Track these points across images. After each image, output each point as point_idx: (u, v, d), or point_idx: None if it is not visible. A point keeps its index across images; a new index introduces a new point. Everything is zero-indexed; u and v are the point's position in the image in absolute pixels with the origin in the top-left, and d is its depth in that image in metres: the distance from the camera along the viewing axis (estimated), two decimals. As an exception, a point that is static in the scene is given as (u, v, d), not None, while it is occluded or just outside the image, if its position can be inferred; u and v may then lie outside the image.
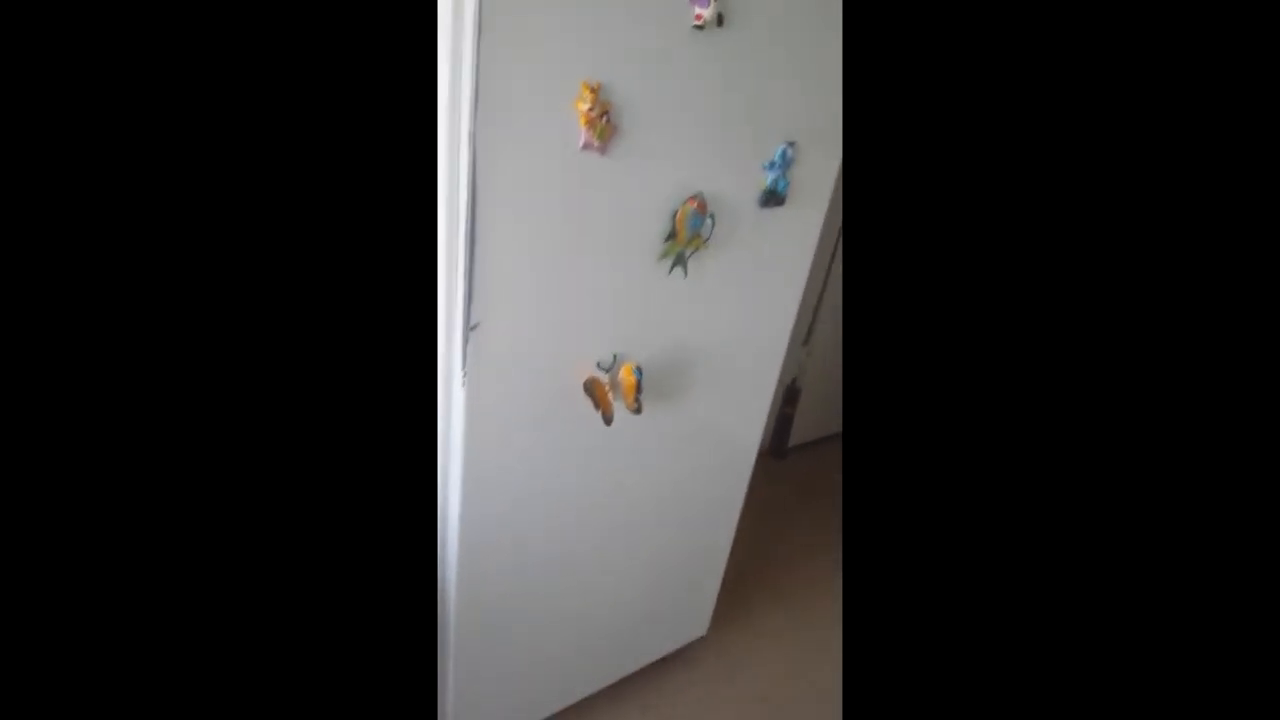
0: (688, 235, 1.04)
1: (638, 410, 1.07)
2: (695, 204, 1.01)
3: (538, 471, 1.10)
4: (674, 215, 1.02)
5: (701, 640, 1.68)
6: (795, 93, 1.06)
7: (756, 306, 1.25)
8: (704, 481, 1.40)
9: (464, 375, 0.94)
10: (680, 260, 1.06)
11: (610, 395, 1.06)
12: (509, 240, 0.89)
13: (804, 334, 2.34)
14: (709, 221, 1.05)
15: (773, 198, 1.12)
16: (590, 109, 0.85)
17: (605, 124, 0.88)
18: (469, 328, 0.91)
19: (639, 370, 1.04)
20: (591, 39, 0.84)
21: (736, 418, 1.36)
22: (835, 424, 2.63)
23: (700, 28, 0.90)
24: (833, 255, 2.27)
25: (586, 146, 0.88)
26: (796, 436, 2.51)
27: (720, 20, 0.91)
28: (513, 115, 0.82)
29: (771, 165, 1.09)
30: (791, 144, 1.09)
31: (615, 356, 1.08)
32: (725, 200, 1.07)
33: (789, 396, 2.41)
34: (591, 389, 1.03)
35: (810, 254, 1.28)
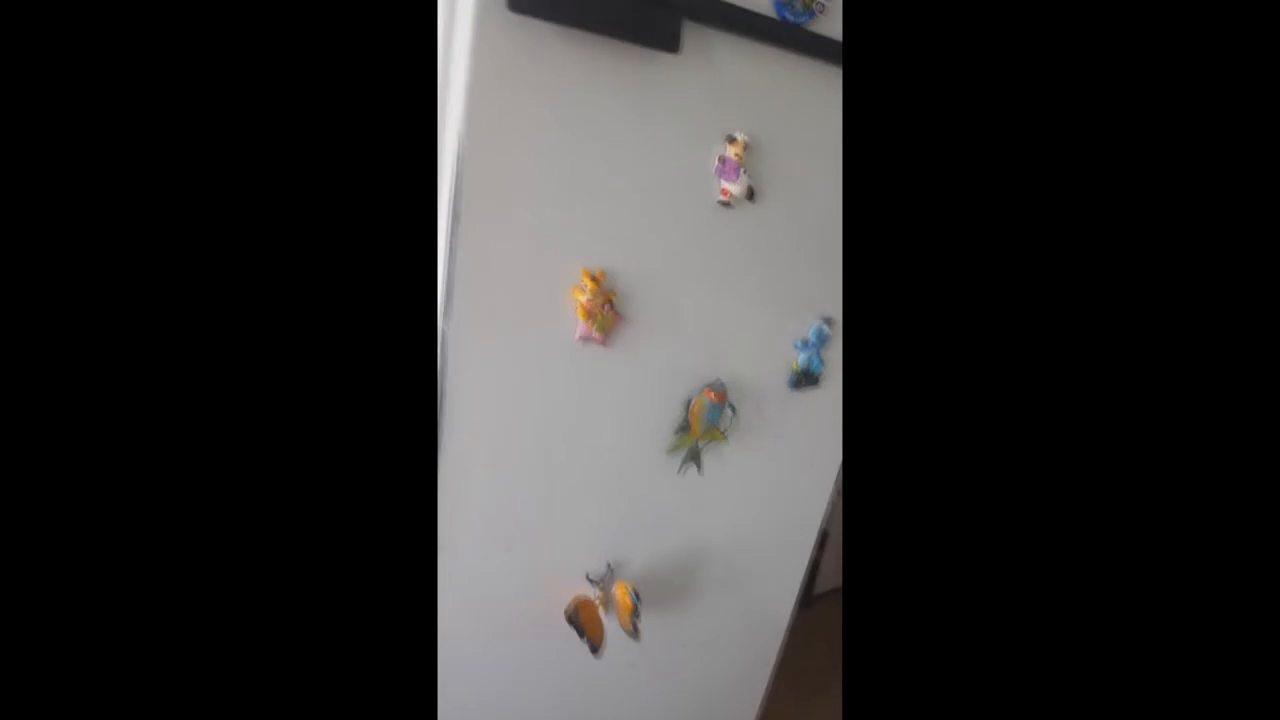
0: (703, 429, 0.87)
1: (635, 635, 0.88)
2: (713, 395, 0.85)
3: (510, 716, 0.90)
4: (687, 406, 0.86)
5: None
6: (831, 263, 0.91)
7: (784, 495, 1.06)
8: (718, 692, 1.17)
9: (418, 603, 0.76)
10: (694, 456, 0.89)
11: (602, 615, 0.87)
12: (478, 446, 0.73)
13: (834, 471, 2.13)
14: (729, 412, 0.88)
15: (806, 378, 0.96)
16: (590, 299, 0.71)
17: (608, 313, 0.73)
18: (427, 549, 0.74)
19: (635, 594, 0.85)
20: (595, 225, 0.70)
21: (758, 618, 1.15)
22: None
23: (727, 204, 0.77)
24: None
25: (585, 339, 0.74)
26: (825, 583, 2.25)
27: (751, 195, 0.77)
28: (492, 311, 0.68)
29: (805, 344, 0.94)
30: (827, 320, 0.94)
31: (609, 566, 0.89)
32: (749, 385, 0.91)
33: (816, 540, 2.17)
34: (576, 617, 0.84)
35: (848, 431, 1.10)
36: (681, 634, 1.04)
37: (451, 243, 0.63)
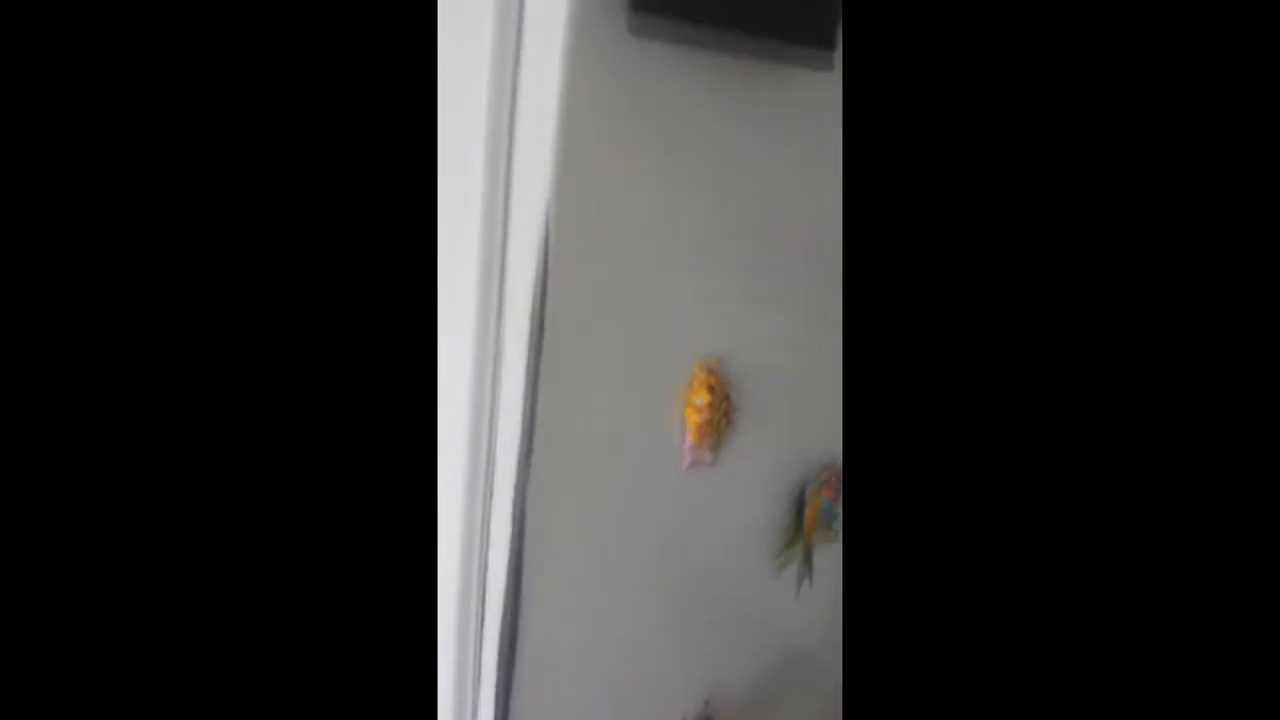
0: (820, 529, 0.70)
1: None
2: (829, 490, 0.68)
3: None
4: (799, 503, 0.68)
5: None
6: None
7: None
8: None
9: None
10: (808, 563, 0.72)
11: (701, 764, 0.70)
12: (565, 626, 0.54)
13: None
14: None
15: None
16: (707, 412, 0.52)
17: (724, 421, 0.54)
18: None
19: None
20: (709, 303, 0.51)
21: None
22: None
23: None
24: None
25: (695, 464, 0.54)
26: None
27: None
28: (582, 448, 0.48)
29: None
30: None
31: (708, 702, 0.72)
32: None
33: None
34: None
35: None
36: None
37: (533, 367, 0.42)
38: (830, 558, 0.76)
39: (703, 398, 0.51)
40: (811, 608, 0.79)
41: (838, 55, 0.45)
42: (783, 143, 0.48)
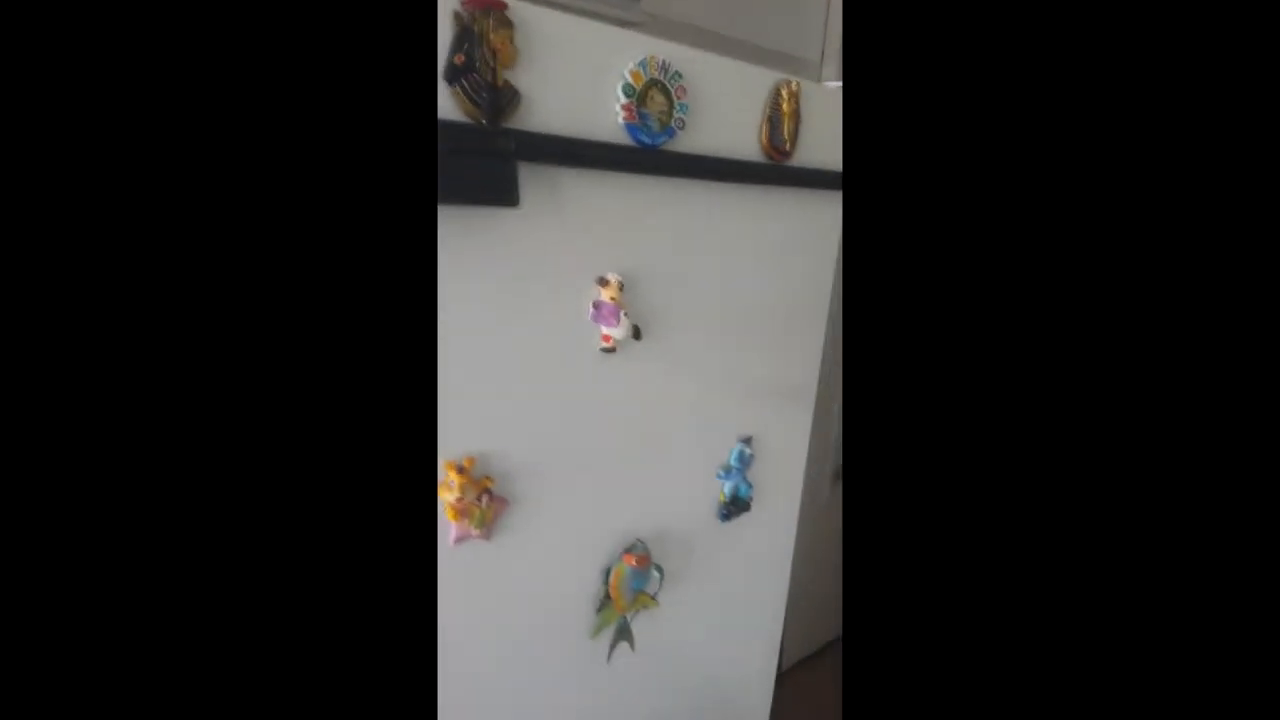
0: (628, 600, 0.75)
1: None
2: (634, 560, 0.73)
3: None
4: (606, 579, 0.73)
5: None
6: (736, 381, 0.83)
7: (734, 639, 0.94)
8: None
9: None
10: (623, 633, 0.76)
11: None
12: None
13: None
14: (655, 574, 0.76)
15: (736, 506, 0.85)
16: (459, 496, 0.58)
17: (487, 504, 0.60)
18: None
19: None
20: (457, 413, 0.58)
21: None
22: (831, 630, 2.26)
23: (611, 350, 0.67)
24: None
25: (462, 539, 0.60)
26: (789, 657, 2.12)
27: (638, 334, 0.67)
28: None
29: (728, 471, 0.84)
30: (747, 440, 0.85)
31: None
32: (675, 531, 0.79)
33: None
34: None
35: (790, 552, 1.00)
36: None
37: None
38: (656, 624, 0.80)
39: (454, 480, 0.58)
40: (651, 678, 0.82)
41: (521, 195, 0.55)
42: (498, 267, 0.58)
